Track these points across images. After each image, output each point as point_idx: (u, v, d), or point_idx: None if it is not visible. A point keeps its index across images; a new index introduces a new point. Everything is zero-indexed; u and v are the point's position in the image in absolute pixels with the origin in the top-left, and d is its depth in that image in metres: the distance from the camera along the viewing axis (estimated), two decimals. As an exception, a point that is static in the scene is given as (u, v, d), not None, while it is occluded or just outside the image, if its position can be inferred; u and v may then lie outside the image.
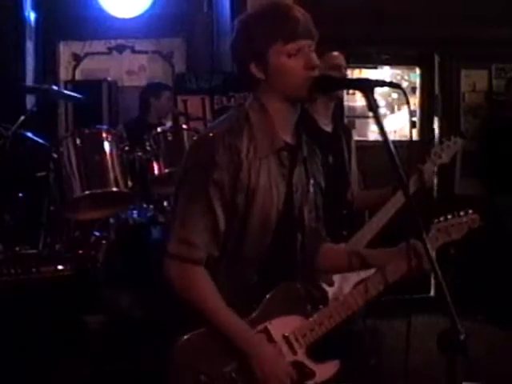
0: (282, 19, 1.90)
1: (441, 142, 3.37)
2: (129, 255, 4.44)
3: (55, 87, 4.71)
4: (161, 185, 4.01)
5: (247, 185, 1.91)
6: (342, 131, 3.28)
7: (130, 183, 3.82)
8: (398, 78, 6.30)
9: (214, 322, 1.91)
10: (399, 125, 6.16)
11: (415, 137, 6.14)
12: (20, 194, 4.24)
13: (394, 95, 6.18)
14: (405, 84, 6.22)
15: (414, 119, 6.18)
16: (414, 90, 6.31)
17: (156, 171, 3.94)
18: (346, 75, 3.14)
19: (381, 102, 6.08)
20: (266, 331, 1.97)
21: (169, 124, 5.38)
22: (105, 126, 4.49)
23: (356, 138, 3.54)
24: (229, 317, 1.92)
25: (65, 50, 6.39)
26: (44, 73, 6.19)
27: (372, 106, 1.82)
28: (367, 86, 1.85)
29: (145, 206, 4.25)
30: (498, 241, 5.35)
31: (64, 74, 6.37)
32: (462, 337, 1.68)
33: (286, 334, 1.98)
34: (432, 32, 5.84)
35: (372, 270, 2.12)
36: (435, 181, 5.01)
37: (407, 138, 6.01)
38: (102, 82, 6.10)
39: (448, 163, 3.28)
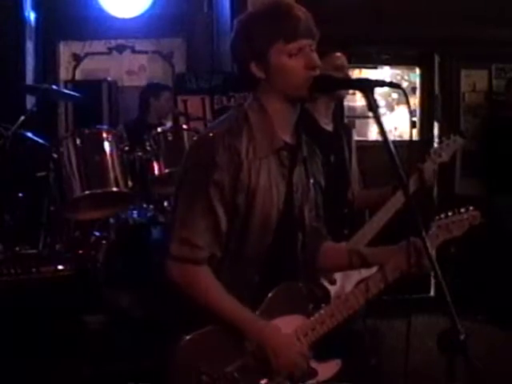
0: (283, 18, 1.90)
1: (440, 141, 3.37)
2: (129, 255, 4.44)
3: (55, 87, 4.71)
4: (161, 185, 4.01)
5: (247, 185, 1.92)
6: (343, 131, 3.28)
7: (130, 183, 3.82)
8: (398, 78, 6.30)
9: (223, 317, 1.91)
10: (399, 124, 6.16)
11: (415, 137, 6.14)
12: (20, 194, 4.24)
13: (394, 95, 6.18)
14: (405, 84, 6.22)
15: (414, 119, 6.18)
16: (414, 90, 6.31)
17: (156, 171, 3.94)
18: (348, 76, 3.14)
19: (381, 102, 6.07)
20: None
21: (169, 124, 5.38)
22: (105, 126, 4.50)
23: (356, 137, 3.54)
24: (237, 309, 1.92)
25: (65, 50, 6.38)
26: (44, 73, 6.19)
27: (372, 105, 1.82)
28: (367, 86, 1.85)
29: (145, 205, 4.25)
30: (498, 241, 5.35)
31: (64, 73, 6.37)
32: (462, 337, 1.68)
33: (289, 333, 1.98)
34: (432, 32, 5.84)
35: (374, 269, 2.12)
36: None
37: (407, 137, 6.02)
38: (102, 82, 6.10)
39: (448, 162, 3.28)
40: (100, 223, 4.17)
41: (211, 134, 1.94)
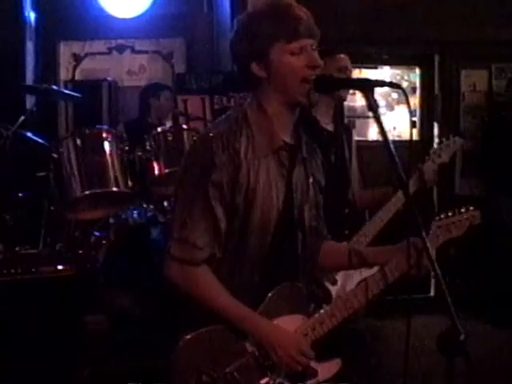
0: (285, 18, 1.90)
1: (440, 141, 3.38)
2: (129, 255, 4.43)
3: (55, 87, 4.71)
4: (161, 185, 4.00)
5: (247, 185, 1.92)
6: (343, 131, 3.29)
7: (130, 183, 3.82)
8: (398, 78, 6.30)
9: (222, 315, 1.91)
10: (399, 124, 6.16)
11: (415, 137, 6.14)
12: (20, 194, 4.24)
13: (394, 95, 6.18)
14: (405, 84, 6.22)
15: (414, 119, 6.18)
16: (414, 89, 6.31)
17: (156, 171, 3.94)
18: (350, 77, 3.14)
19: (381, 102, 6.07)
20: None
21: (169, 124, 5.38)
22: (105, 126, 4.50)
23: (356, 137, 3.54)
24: (235, 307, 1.92)
25: (65, 50, 6.38)
26: (44, 73, 6.19)
27: (372, 105, 1.82)
28: (367, 86, 1.86)
29: (145, 205, 4.24)
30: (497, 241, 5.35)
31: (64, 73, 6.36)
32: (462, 337, 1.68)
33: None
34: (432, 32, 5.84)
35: (374, 269, 2.12)
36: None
37: (407, 137, 6.02)
38: (102, 82, 6.10)
39: (448, 162, 3.29)
40: (100, 223, 4.16)
41: (210, 135, 1.94)
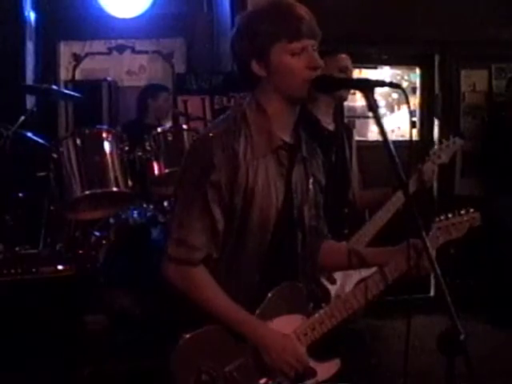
0: (287, 17, 1.89)
1: (440, 142, 3.38)
2: (129, 255, 4.43)
3: (55, 87, 4.71)
4: (161, 185, 4.00)
5: (245, 185, 1.92)
6: (344, 130, 3.29)
7: (130, 183, 3.82)
8: (398, 78, 6.30)
9: (219, 316, 1.92)
10: (399, 125, 6.16)
11: (415, 137, 6.14)
12: (20, 194, 4.24)
13: (394, 95, 6.18)
14: (405, 84, 6.22)
15: (414, 119, 6.18)
16: (414, 90, 6.31)
17: (156, 171, 3.94)
18: (351, 77, 3.14)
19: (381, 102, 6.08)
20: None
21: (168, 125, 5.38)
22: (105, 126, 4.49)
23: (356, 137, 3.54)
24: (232, 309, 1.92)
25: (65, 50, 6.37)
26: (44, 73, 6.18)
27: (372, 106, 1.82)
28: (367, 86, 1.86)
29: (145, 206, 4.24)
30: (497, 241, 5.35)
31: (64, 73, 6.36)
32: (462, 337, 1.68)
33: (288, 333, 1.98)
34: (432, 32, 5.84)
35: (374, 269, 2.12)
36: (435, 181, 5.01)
37: (407, 137, 6.02)
38: (102, 82, 6.09)
39: (447, 163, 3.29)
40: (100, 223, 4.16)
41: (210, 135, 1.94)
